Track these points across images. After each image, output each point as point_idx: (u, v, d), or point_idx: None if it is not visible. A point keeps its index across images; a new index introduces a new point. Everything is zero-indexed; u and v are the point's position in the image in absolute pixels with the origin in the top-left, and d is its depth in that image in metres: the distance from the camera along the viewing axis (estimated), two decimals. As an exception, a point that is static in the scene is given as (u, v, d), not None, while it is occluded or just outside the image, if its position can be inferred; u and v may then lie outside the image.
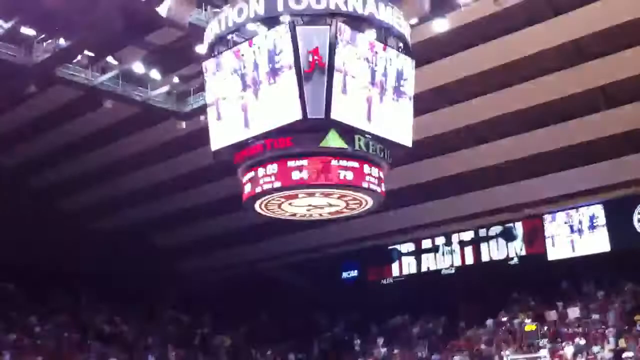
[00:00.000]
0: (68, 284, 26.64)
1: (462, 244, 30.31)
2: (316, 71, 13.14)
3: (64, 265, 25.03)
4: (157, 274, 30.50)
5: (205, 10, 16.09)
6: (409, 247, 32.29)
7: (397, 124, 14.83)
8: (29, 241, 25.87)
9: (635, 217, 24.78)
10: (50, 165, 26.42)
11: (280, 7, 13.08)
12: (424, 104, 17.01)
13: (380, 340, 30.54)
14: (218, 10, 14.92)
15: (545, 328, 25.01)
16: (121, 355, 27.61)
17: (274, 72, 13.52)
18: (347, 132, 13.82)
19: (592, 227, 26.00)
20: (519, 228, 28.38)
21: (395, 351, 29.17)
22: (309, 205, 15.88)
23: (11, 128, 23.43)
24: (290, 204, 15.62)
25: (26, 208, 26.51)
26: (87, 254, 26.98)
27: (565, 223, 26.69)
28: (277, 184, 14.21)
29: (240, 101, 14.39)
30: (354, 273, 34.70)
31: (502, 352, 24.64)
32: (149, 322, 31.06)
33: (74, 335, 28.35)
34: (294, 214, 16.69)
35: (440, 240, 31.13)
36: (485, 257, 29.41)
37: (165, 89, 20.37)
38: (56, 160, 25.92)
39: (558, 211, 26.80)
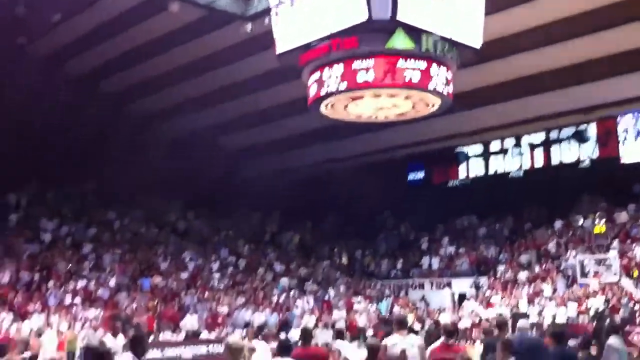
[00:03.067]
0: (142, 183, 27.82)
1: (532, 146, 29.84)
2: (382, -30, 12.85)
3: (136, 165, 26.00)
4: (227, 175, 31.40)
5: None
6: (477, 149, 32.04)
7: (466, 24, 14.44)
8: (101, 142, 26.87)
9: None
10: (118, 70, 26.98)
11: None
12: (494, 3, 16.33)
13: (446, 240, 31.01)
14: None
15: (616, 230, 24.80)
16: (195, 249, 29.10)
17: (339, -28, 13.31)
18: (414, 32, 13.56)
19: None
20: (591, 130, 27.65)
21: (461, 250, 29.62)
22: (375, 107, 15.90)
23: (79, 34, 23.91)
24: (356, 105, 15.69)
25: (96, 112, 27.34)
26: (159, 156, 27.86)
27: (641, 125, 25.91)
28: (343, 85, 14.25)
29: (305, 2, 14.28)
30: (420, 175, 34.86)
31: (569, 253, 24.68)
32: (221, 219, 32.37)
33: (151, 230, 29.98)
34: (360, 115, 16.78)
35: (509, 143, 30.72)
36: (555, 160, 28.94)
37: (229, -10, 20.21)
38: (123, 66, 26.44)
39: (633, 112, 25.90)
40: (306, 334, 8.00)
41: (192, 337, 20.97)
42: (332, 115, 16.78)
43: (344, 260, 33.28)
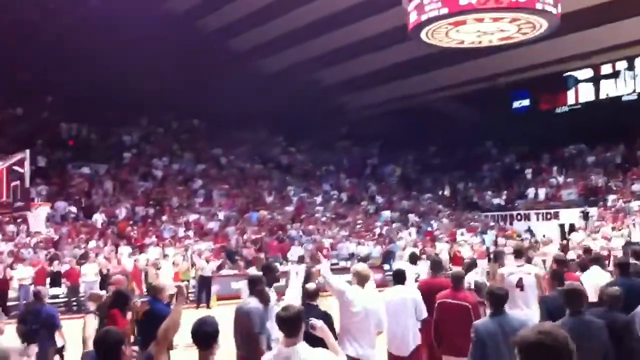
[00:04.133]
0: (246, 119, 28.47)
1: (647, 68, 28.05)
2: None
3: (240, 101, 26.49)
4: (327, 109, 31.48)
5: None
6: (587, 73, 30.45)
7: None
8: (205, 79, 27.40)
9: None
10: (219, 7, 27.31)
11: None
12: None
13: (553, 169, 30.00)
14: None
15: None
16: (298, 183, 29.68)
17: None
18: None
19: None
20: None
21: (569, 179, 28.60)
22: (478, 32, 15.35)
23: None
24: (457, 31, 15.20)
25: (198, 51, 27.84)
26: (261, 92, 28.19)
27: None
28: (444, 10, 13.80)
29: None
30: (526, 102, 33.64)
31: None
32: (322, 153, 32.73)
33: (256, 165, 30.80)
34: (462, 42, 16.26)
35: (621, 65, 28.98)
36: (672, 82, 27.13)
37: None
38: (220, 3, 26.79)
39: None
40: (435, 264, 8.05)
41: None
42: (432, 43, 16.34)
43: (447, 192, 32.95)
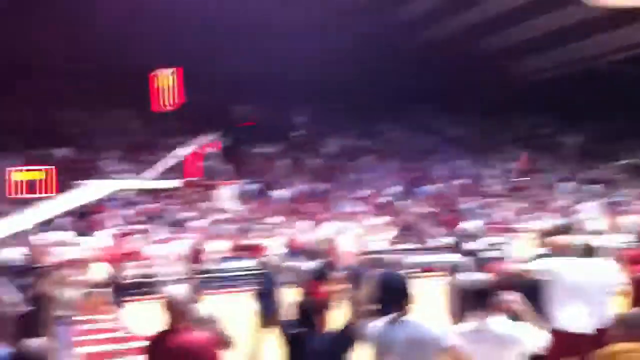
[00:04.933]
0: (412, 93, 28.30)
1: None
2: None
3: (406, 77, 26.38)
4: (494, 78, 30.35)
5: None
6: None
7: None
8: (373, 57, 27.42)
9: None
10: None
11: None
12: None
13: None
14: None
15: None
16: (469, 155, 29.08)
17: None
18: None
19: None
20: None
21: None
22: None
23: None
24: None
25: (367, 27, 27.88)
26: (426, 65, 27.75)
27: None
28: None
29: None
30: None
31: None
32: (494, 124, 31.77)
33: (424, 139, 30.59)
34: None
35: None
36: None
37: None
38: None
39: None
40: None
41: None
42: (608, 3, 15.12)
43: (632, 161, 30.67)
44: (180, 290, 4.08)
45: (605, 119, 32.67)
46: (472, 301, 4.11)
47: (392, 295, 4.30)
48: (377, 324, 4.16)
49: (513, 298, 4.28)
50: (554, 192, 26.15)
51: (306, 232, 19.68)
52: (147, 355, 4.11)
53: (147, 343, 4.20)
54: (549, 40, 28.41)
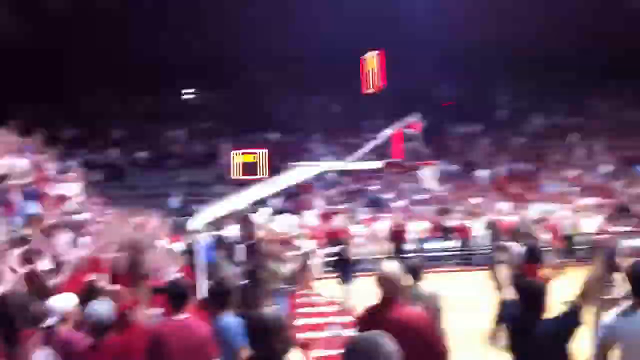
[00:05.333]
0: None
1: None
2: None
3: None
4: None
5: None
6: None
7: None
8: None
9: None
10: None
11: None
12: None
13: None
14: None
15: None
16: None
17: None
18: None
19: None
20: None
21: None
22: None
23: None
24: None
25: None
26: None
27: None
28: None
29: None
30: None
31: None
32: None
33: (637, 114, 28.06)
34: None
35: None
36: None
37: None
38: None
39: None
40: None
41: None
42: None
43: None
44: (394, 266, 4.15)
45: None
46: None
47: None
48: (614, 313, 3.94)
49: None
50: None
51: (509, 214, 19.28)
52: (360, 327, 4.10)
53: (360, 315, 4.31)
54: None
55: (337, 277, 12.02)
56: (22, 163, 9.82)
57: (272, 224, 16.49)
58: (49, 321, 4.34)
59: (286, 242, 13.60)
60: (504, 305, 6.16)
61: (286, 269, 9.03)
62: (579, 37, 25.88)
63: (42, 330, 4.25)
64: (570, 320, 3.98)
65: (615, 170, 23.54)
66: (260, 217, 17.14)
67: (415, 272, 5.05)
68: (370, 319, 4.08)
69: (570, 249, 17.59)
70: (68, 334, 4.39)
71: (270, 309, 4.60)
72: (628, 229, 18.23)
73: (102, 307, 4.45)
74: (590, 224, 18.33)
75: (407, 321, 3.87)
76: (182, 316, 4.41)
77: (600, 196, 21.17)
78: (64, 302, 4.55)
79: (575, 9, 25.13)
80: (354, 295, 10.61)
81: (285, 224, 17.20)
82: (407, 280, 4.49)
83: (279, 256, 9.40)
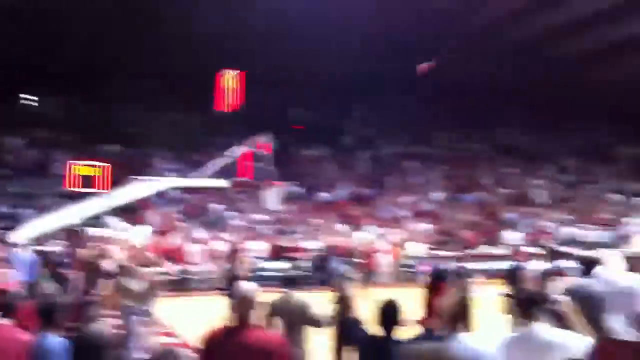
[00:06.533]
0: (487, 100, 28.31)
1: None
2: None
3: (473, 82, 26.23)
4: (557, 84, 29.52)
5: None
6: None
7: None
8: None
9: None
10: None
11: None
12: None
13: None
14: None
15: None
16: (517, 164, 28.72)
17: None
18: None
19: None
20: None
21: None
22: None
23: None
24: None
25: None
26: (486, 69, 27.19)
27: None
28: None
29: None
30: None
31: None
32: (545, 134, 31.15)
33: (473, 146, 30.30)
34: None
35: None
36: None
37: None
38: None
39: None
40: None
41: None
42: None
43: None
44: (248, 287, 4.01)
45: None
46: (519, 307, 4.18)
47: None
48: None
49: (563, 303, 4.39)
50: (602, 203, 25.59)
51: (346, 235, 19.99)
52: (206, 351, 3.92)
53: (207, 338, 4.03)
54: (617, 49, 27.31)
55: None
56: None
57: (128, 237, 16.03)
58: None
59: (142, 257, 13.27)
60: (347, 324, 6.12)
61: (139, 286, 8.51)
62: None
63: None
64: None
65: (447, 198, 25.19)
66: (95, 232, 16.62)
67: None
68: (219, 342, 3.91)
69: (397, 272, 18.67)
70: None
71: (99, 326, 4.39)
72: (453, 254, 19.61)
73: None
74: (418, 248, 19.40)
75: (261, 345, 3.75)
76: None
77: (431, 222, 22.51)
78: None
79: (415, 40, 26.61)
80: (189, 315, 10.46)
81: (141, 237, 16.78)
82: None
83: (132, 272, 8.77)
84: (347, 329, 5.99)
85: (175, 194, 22.13)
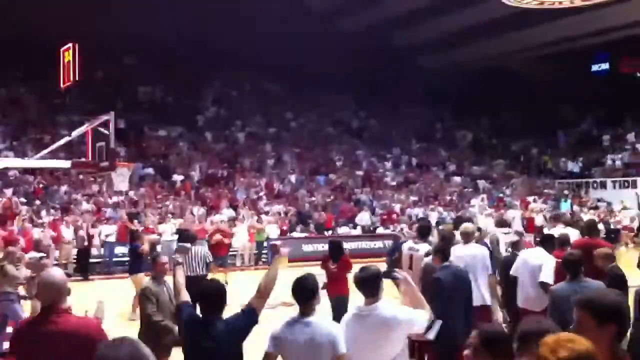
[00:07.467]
0: (319, 83, 28.61)
1: None
2: None
3: (314, 65, 26.53)
4: (399, 71, 30.93)
5: None
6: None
7: None
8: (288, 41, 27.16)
9: None
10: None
11: None
12: None
13: (632, 135, 28.92)
14: None
15: None
16: (368, 147, 29.66)
17: None
18: None
19: None
20: None
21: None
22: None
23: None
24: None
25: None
26: (336, 55, 27.78)
27: None
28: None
29: None
30: (605, 65, 32.35)
31: None
32: (393, 117, 32.46)
33: (326, 129, 30.91)
34: (542, 2, 15.76)
35: None
36: None
37: None
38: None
39: None
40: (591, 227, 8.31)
41: (368, 232, 21.62)
42: (513, 3, 15.84)
43: (521, 157, 32.28)
44: (55, 273, 3.80)
45: (499, 116, 34.13)
46: (360, 288, 4.22)
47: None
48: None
49: (400, 276, 4.42)
50: (445, 185, 27.10)
51: (200, 218, 19.54)
52: (15, 342, 3.76)
53: (17, 330, 3.90)
54: (452, 38, 29.14)
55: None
56: None
57: None
58: None
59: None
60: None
61: (21, 273, 8.47)
62: (284, 50, 27.33)
63: None
64: (248, 319, 4.06)
65: (303, 180, 25.44)
66: None
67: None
68: (28, 332, 3.68)
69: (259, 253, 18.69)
70: None
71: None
72: (305, 235, 19.93)
73: None
74: (273, 230, 19.42)
75: (71, 331, 3.52)
76: None
77: (285, 204, 22.62)
78: None
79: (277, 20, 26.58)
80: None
81: None
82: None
83: (15, 258, 8.78)
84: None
85: (15, 176, 20.48)
